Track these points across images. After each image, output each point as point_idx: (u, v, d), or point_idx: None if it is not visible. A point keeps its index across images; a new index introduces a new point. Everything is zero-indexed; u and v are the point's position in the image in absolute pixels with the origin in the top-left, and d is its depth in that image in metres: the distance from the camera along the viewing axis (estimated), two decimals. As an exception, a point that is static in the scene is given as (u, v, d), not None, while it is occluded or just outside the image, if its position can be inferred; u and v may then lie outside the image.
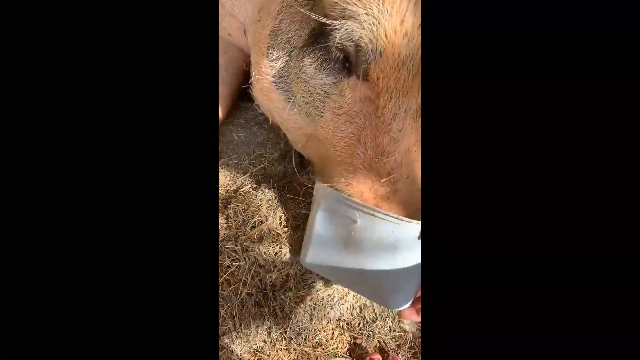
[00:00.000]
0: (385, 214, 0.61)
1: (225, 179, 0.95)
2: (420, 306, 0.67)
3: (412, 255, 0.64)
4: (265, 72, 0.62)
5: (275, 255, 0.86)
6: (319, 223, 0.68)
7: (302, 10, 0.56)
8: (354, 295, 1.03)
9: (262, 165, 0.95)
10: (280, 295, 0.94)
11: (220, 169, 0.99)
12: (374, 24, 0.49)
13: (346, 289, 1.01)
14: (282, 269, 0.90)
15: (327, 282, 0.99)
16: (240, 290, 0.89)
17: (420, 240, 0.63)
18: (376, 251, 0.64)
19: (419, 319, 0.68)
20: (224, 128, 1.04)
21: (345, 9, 0.50)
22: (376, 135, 0.57)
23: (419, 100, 0.55)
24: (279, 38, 0.60)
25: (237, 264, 0.88)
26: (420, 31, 0.49)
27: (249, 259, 0.87)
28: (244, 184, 0.92)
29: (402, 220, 0.61)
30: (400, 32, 0.50)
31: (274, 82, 0.62)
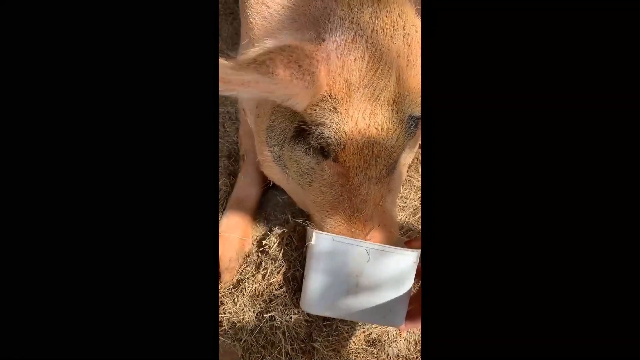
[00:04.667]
0: (392, 248, 0.77)
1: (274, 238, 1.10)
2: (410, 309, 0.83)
3: (411, 278, 0.79)
4: (266, 154, 0.87)
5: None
6: (322, 268, 0.78)
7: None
8: (407, 331, 1.07)
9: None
10: (335, 334, 1.03)
11: (271, 230, 1.16)
12: (337, 128, 0.74)
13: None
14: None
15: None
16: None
17: (416, 263, 0.78)
18: (388, 280, 0.78)
19: (417, 325, 0.83)
20: (269, 194, 1.20)
21: (317, 120, 0.75)
22: (350, 198, 0.79)
23: (377, 170, 0.78)
24: (274, 131, 0.84)
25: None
26: (371, 129, 0.74)
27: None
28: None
29: (405, 250, 0.78)
30: (355, 131, 0.74)
31: (273, 161, 0.87)
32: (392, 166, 0.81)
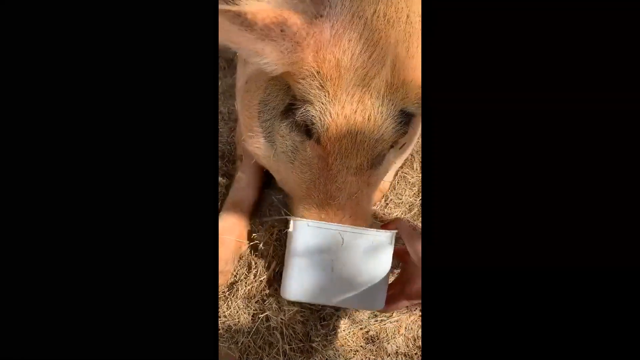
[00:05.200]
0: (366, 230, 0.78)
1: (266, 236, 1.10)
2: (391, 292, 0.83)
3: (387, 260, 0.79)
4: (257, 130, 0.85)
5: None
6: (299, 254, 0.77)
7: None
8: (406, 327, 1.07)
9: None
10: (332, 333, 1.03)
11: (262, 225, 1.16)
12: (323, 108, 0.72)
13: (399, 323, 1.06)
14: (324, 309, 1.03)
15: (376, 317, 1.06)
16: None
17: (391, 244, 0.79)
18: (363, 263, 0.78)
19: (405, 303, 0.82)
20: (264, 193, 1.19)
21: (305, 96, 0.73)
22: (326, 183, 0.78)
23: (358, 161, 0.76)
24: (268, 105, 0.82)
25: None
26: (357, 116, 0.72)
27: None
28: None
29: (379, 231, 0.78)
30: (340, 115, 0.72)
31: (263, 137, 0.85)
32: (375, 160, 0.79)
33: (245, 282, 1.07)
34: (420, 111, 0.78)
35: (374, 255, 0.78)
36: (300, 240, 0.77)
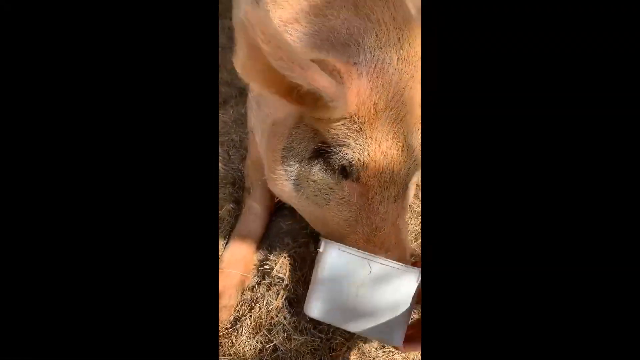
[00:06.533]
0: (395, 263, 0.77)
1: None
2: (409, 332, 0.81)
3: (410, 296, 0.78)
4: (280, 174, 0.90)
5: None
6: (326, 275, 0.78)
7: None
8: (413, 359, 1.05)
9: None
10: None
11: (271, 253, 1.16)
12: (360, 149, 0.77)
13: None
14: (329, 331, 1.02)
15: (383, 348, 1.04)
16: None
17: (417, 282, 0.78)
18: (388, 295, 0.78)
19: (417, 349, 0.81)
20: (273, 221, 1.21)
21: (340, 140, 0.78)
22: (369, 217, 0.82)
23: (396, 190, 0.82)
24: (292, 152, 0.87)
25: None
26: (393, 150, 0.78)
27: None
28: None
29: (407, 267, 0.78)
30: (377, 152, 0.77)
31: (287, 180, 0.89)
32: (407, 185, 0.84)
33: (250, 317, 1.06)
34: None
35: (399, 290, 0.78)
36: (330, 263, 0.78)
